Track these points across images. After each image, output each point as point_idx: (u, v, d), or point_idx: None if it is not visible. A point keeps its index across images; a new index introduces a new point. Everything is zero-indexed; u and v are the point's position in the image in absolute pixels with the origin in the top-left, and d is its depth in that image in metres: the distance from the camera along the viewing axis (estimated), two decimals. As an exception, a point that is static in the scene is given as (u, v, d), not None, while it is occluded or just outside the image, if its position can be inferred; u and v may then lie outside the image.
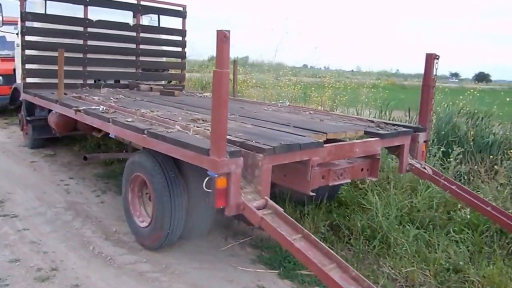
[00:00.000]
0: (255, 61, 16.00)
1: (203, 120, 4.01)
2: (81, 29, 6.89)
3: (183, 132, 3.47)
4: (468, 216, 4.19)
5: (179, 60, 8.33)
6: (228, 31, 2.72)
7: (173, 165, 3.68)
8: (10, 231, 4.13)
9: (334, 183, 3.67)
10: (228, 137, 3.03)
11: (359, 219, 4.26)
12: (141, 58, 7.64)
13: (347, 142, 3.87)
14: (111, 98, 5.68)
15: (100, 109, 4.37)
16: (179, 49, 8.09)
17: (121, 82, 7.62)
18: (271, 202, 3.06)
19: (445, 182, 4.19)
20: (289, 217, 2.93)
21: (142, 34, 7.52)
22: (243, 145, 3.13)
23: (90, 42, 6.97)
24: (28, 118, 6.99)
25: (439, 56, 4.31)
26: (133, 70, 7.63)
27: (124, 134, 3.83)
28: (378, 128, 4.23)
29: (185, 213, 3.63)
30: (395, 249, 3.81)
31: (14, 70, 8.45)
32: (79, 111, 4.60)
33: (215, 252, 3.90)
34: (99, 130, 6.13)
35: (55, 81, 6.45)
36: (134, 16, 7.53)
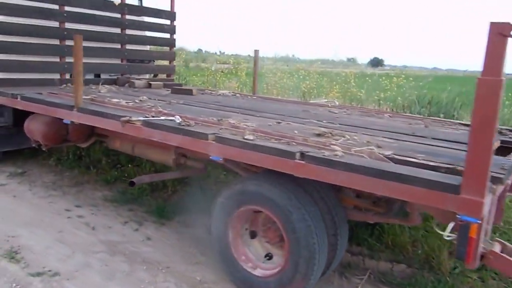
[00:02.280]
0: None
1: (330, 134, 3.13)
2: (56, 7, 5.30)
3: (350, 155, 2.60)
4: None
5: (166, 48, 7.01)
6: (509, 24, 1.94)
7: (323, 197, 2.83)
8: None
9: None
10: (405, 158, 2.47)
11: None
12: (128, 47, 6.23)
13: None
14: (135, 100, 4.39)
15: (177, 121, 3.19)
16: (167, 35, 6.79)
17: (102, 76, 6.12)
18: (504, 242, 2.39)
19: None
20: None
21: (128, 17, 6.11)
22: (453, 172, 2.38)
23: (67, 25, 5.41)
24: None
25: None
26: (118, 62, 6.19)
27: (248, 158, 2.78)
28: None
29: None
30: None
31: None
32: (133, 122, 3.36)
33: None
34: (87, 139, 4.89)
35: (25, 76, 4.96)
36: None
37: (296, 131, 3.18)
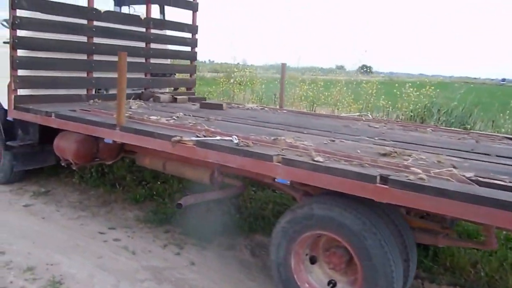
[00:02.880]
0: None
1: (396, 153, 2.98)
2: (84, 22, 5.15)
3: (434, 178, 2.44)
4: None
5: (187, 62, 6.86)
6: None
7: (393, 220, 2.69)
8: None
9: None
10: (490, 180, 2.37)
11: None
12: (152, 60, 6.08)
13: None
14: (173, 116, 4.23)
15: (235, 141, 3.03)
16: (188, 48, 6.65)
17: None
18: None
19: None
20: None
21: (152, 30, 5.97)
22: None
23: (96, 40, 5.26)
24: (10, 143, 5.03)
25: None
26: (141, 76, 6.03)
27: (319, 181, 2.61)
28: None
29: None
30: None
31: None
32: (184, 142, 3.19)
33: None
34: (116, 156, 4.72)
35: (51, 92, 4.82)
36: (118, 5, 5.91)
37: (358, 151, 3.03)
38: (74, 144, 4.44)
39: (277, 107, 6.17)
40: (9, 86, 4.59)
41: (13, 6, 4.40)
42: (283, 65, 5.80)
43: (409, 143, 3.58)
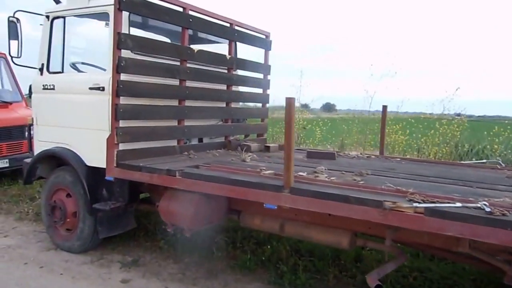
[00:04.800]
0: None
1: None
2: (177, 62, 4.54)
3: None
4: None
5: (258, 105, 6.29)
6: None
7: None
8: None
9: None
10: None
11: None
12: (233, 105, 5.48)
13: None
14: (319, 171, 3.62)
15: (487, 209, 2.46)
16: (260, 90, 6.10)
17: (203, 140, 5.27)
18: None
19: None
20: None
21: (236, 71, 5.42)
22: None
23: (188, 83, 4.64)
24: (99, 206, 4.25)
25: None
26: (221, 122, 5.41)
27: None
28: None
29: None
30: None
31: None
32: (403, 210, 2.59)
33: None
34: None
35: (147, 145, 4.19)
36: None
37: None
38: (191, 207, 3.75)
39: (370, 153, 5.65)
40: (109, 140, 3.86)
41: (118, 46, 3.75)
42: (384, 107, 5.35)
43: None
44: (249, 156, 4.33)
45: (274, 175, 3.42)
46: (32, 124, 7.37)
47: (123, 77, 3.85)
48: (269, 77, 6.10)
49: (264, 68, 6.01)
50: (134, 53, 4.05)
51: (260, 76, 6.04)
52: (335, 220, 3.33)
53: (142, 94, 4.08)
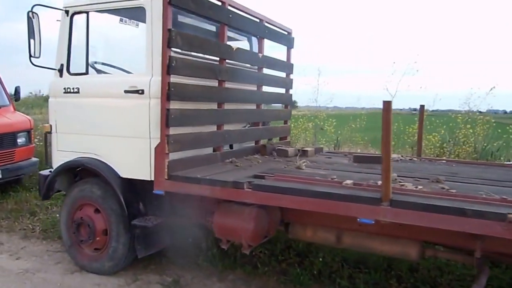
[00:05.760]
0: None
1: None
2: (215, 62, 4.16)
3: None
4: None
5: (279, 106, 5.96)
6: None
7: None
8: None
9: None
10: None
11: None
12: (263, 107, 5.15)
13: None
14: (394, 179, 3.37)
15: None
16: (283, 90, 5.78)
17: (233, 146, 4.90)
18: None
19: None
20: None
21: (265, 70, 5.08)
22: None
23: (227, 84, 4.27)
24: (139, 223, 3.81)
25: None
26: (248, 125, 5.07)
27: None
28: None
29: None
30: None
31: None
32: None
33: None
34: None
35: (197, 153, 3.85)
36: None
37: None
38: (251, 221, 3.43)
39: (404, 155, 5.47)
40: (158, 149, 3.44)
41: (169, 44, 3.34)
42: (422, 107, 5.17)
43: None
44: (303, 163, 4.00)
45: (355, 185, 3.14)
46: (28, 131, 6.85)
47: (173, 79, 3.44)
48: (291, 76, 5.81)
49: (288, 67, 5.70)
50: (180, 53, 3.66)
51: (283, 75, 5.73)
52: (403, 229, 3.09)
53: (191, 97, 3.69)
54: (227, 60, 4.17)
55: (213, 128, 4.16)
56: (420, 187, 3.09)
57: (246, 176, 3.45)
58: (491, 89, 7.29)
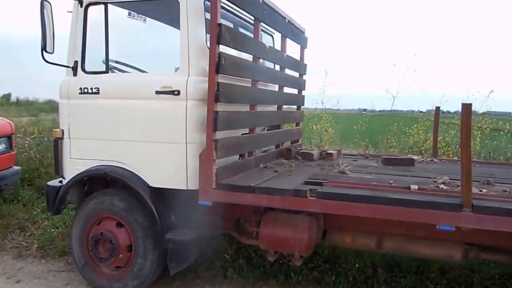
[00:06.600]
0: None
1: None
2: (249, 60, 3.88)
3: None
4: None
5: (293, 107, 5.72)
6: None
7: None
8: None
9: None
10: None
11: None
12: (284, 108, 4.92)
13: None
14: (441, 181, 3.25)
15: None
16: (296, 91, 5.56)
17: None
18: None
19: None
20: None
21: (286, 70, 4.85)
22: None
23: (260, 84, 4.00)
24: (173, 237, 3.46)
25: None
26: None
27: None
28: None
29: None
30: None
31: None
32: None
33: None
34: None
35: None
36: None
37: None
38: (306, 231, 3.20)
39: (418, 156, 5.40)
40: (204, 155, 3.11)
41: (218, 40, 3.03)
42: (437, 108, 5.13)
43: None
44: (346, 167, 3.80)
45: (422, 190, 2.98)
46: (8, 136, 6.13)
47: (220, 78, 3.13)
48: (305, 77, 5.61)
49: (302, 67, 5.50)
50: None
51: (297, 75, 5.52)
52: (442, 234, 2.97)
53: (236, 98, 3.40)
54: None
55: (246, 130, 3.89)
56: (484, 190, 2.98)
57: (300, 183, 3.20)
58: (490, 92, 7.39)
